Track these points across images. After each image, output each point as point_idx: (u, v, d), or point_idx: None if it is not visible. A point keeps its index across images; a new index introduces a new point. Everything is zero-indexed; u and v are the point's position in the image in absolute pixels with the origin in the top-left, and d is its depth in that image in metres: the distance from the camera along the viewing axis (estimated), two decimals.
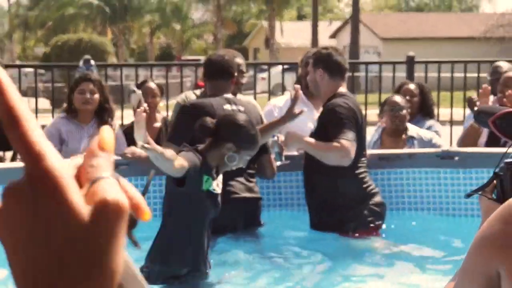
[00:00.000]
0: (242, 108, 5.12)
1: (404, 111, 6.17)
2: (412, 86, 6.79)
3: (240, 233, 5.26)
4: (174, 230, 4.26)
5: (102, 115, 6.01)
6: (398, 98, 6.27)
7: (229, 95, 5.29)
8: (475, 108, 6.37)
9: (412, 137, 6.23)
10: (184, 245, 4.28)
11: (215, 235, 5.04)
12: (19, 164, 5.45)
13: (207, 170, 4.19)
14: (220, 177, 4.31)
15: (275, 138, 5.30)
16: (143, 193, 2.99)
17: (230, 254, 5.02)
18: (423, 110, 6.70)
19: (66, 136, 5.99)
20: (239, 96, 5.68)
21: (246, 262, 4.89)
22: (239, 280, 4.67)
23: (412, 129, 6.31)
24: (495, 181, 1.96)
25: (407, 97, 6.52)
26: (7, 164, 5.82)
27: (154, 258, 4.29)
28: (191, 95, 5.90)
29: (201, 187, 4.15)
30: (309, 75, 5.45)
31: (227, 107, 5.12)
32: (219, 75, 5.28)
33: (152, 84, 6.42)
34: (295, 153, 5.66)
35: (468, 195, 2.05)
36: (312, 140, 5.26)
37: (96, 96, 5.98)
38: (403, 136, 6.26)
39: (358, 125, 5.22)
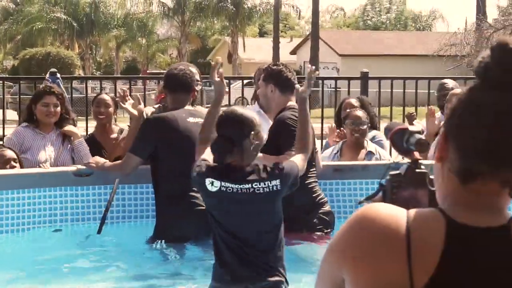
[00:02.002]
0: (202, 120, 5.04)
1: (365, 126, 6.22)
2: (352, 100, 6.87)
3: (203, 242, 5.11)
4: None
5: (62, 124, 6.11)
6: (359, 113, 6.28)
7: (190, 107, 5.34)
8: (414, 125, 6.68)
9: (371, 152, 6.28)
10: None
11: (179, 244, 5.13)
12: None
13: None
14: None
15: None
16: (109, 200, 4.50)
17: (195, 262, 4.98)
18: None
19: (29, 144, 6.02)
20: (199, 108, 5.72)
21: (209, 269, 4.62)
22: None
23: (371, 145, 6.37)
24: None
25: (347, 110, 6.57)
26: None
27: None
28: (148, 109, 6.10)
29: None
30: (260, 90, 5.49)
31: (191, 119, 5.16)
32: (179, 88, 5.32)
33: (105, 96, 6.55)
34: None
35: (359, 203, 2.19)
36: (263, 154, 5.01)
37: (59, 109, 6.05)
38: (363, 150, 6.30)
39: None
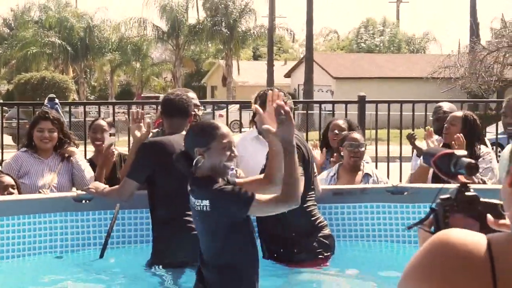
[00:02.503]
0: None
1: (363, 148, 6.24)
2: (340, 122, 6.89)
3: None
4: None
5: (61, 150, 6.13)
6: (357, 135, 6.29)
7: None
8: (417, 145, 6.72)
9: (368, 174, 6.27)
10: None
11: (176, 269, 5.11)
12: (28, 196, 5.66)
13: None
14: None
15: (234, 171, 5.24)
16: (111, 225, 4.46)
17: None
18: None
19: (27, 169, 6.05)
20: None
21: None
22: None
23: (368, 167, 6.39)
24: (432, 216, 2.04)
25: (336, 131, 6.70)
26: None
27: None
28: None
29: None
30: (256, 116, 5.38)
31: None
32: (176, 113, 5.34)
33: (101, 121, 6.59)
34: None
35: (409, 228, 2.12)
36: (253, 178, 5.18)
37: (55, 134, 6.07)
38: (360, 172, 6.27)
39: (305, 160, 5.22)
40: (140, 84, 52.38)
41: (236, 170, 5.36)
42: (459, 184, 2.07)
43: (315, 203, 5.44)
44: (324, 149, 6.71)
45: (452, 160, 2.18)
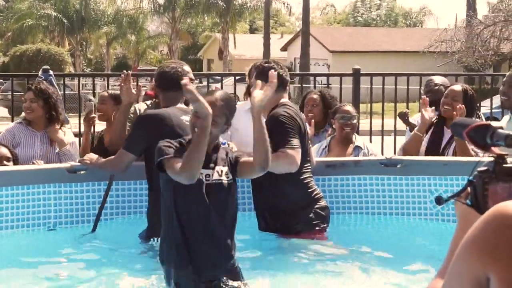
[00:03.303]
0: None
1: (355, 121, 6.22)
2: (314, 96, 6.87)
3: None
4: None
5: (52, 123, 6.15)
6: (349, 107, 6.28)
7: (182, 105, 5.31)
8: (410, 122, 6.72)
9: (358, 147, 6.25)
10: (162, 238, 4.22)
11: None
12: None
13: None
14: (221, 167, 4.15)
15: (225, 145, 5.32)
16: (105, 195, 4.45)
17: None
18: (326, 117, 6.76)
19: (19, 140, 6.08)
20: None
21: None
22: None
23: (359, 140, 6.36)
24: (469, 188, 2.04)
25: (309, 106, 6.73)
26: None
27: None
28: (141, 106, 6.02)
29: None
30: (252, 87, 5.41)
31: (184, 117, 5.10)
32: (172, 86, 5.27)
33: (105, 93, 6.65)
34: None
35: (445, 201, 2.13)
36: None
37: (35, 104, 6.10)
38: (351, 145, 6.25)
39: (301, 133, 5.22)
40: (136, 57, 52.27)
41: (228, 144, 5.38)
42: (495, 156, 2.05)
43: (311, 175, 5.44)
44: (313, 122, 6.63)
45: (489, 132, 2.14)
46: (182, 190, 4.01)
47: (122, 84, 5.75)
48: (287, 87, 5.51)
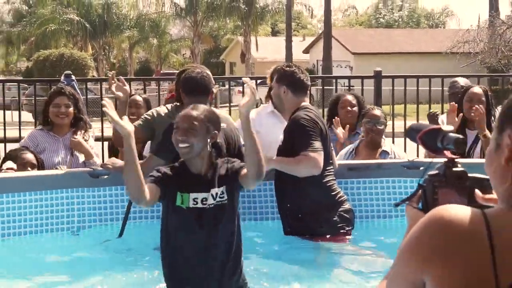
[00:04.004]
0: (224, 125, 5.00)
1: (381, 126, 6.19)
2: (350, 97, 6.83)
3: None
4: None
5: (77, 127, 6.14)
6: (377, 111, 6.24)
7: None
8: (439, 124, 6.67)
9: (385, 152, 6.22)
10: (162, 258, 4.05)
11: None
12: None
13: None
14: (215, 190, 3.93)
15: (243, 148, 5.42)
16: (130, 202, 4.36)
17: None
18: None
19: (43, 147, 6.05)
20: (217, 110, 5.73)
21: None
22: None
23: (388, 144, 6.35)
24: (420, 192, 2.05)
25: (348, 108, 6.69)
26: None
27: None
28: (162, 109, 5.92)
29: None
30: (273, 90, 5.55)
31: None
32: (199, 91, 5.26)
33: (137, 97, 6.69)
34: None
35: (397, 204, 2.20)
36: (280, 158, 5.28)
37: (71, 109, 6.08)
38: (380, 149, 6.22)
39: (323, 135, 5.22)
40: (159, 60, 52.35)
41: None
42: (446, 160, 2.06)
43: (334, 177, 5.44)
44: (348, 126, 6.62)
45: (440, 136, 2.16)
46: (172, 211, 3.91)
47: (111, 81, 5.68)
48: (308, 91, 5.54)
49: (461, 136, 2.14)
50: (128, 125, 3.78)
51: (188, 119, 3.92)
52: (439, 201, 1.96)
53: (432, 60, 34.86)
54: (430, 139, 2.18)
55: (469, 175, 1.99)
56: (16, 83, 11.09)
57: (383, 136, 6.36)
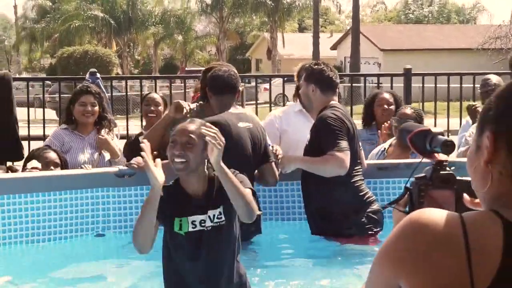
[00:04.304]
0: (250, 125, 5.16)
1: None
2: (387, 95, 6.76)
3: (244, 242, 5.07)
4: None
5: (102, 125, 6.13)
6: (407, 110, 6.18)
7: (238, 111, 5.34)
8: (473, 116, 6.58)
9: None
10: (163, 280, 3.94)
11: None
12: (33, 174, 5.51)
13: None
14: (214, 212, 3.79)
15: (270, 147, 5.32)
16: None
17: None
18: None
19: (69, 146, 6.04)
20: (243, 109, 5.74)
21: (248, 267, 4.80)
22: None
23: None
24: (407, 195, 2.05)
25: (385, 106, 6.61)
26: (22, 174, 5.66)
27: None
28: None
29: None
30: (301, 89, 5.53)
31: (241, 124, 5.13)
32: (226, 90, 5.27)
33: (155, 95, 6.63)
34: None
35: (384, 208, 2.33)
36: (306, 158, 5.31)
37: (96, 108, 6.08)
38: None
39: (350, 135, 5.22)
40: (184, 57, 52.51)
41: (272, 146, 5.38)
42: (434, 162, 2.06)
43: (362, 178, 5.39)
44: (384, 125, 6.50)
45: (428, 138, 2.15)
46: (170, 237, 3.77)
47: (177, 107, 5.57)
48: (337, 89, 5.51)
49: (449, 139, 2.13)
50: (161, 178, 3.59)
51: (185, 133, 3.74)
52: (425, 204, 1.97)
53: (462, 56, 34.58)
54: (420, 140, 2.18)
55: (458, 178, 1.99)
56: (40, 81, 11.07)
57: None
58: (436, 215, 1.45)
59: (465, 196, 1.75)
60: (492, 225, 1.41)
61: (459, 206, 1.81)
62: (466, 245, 1.39)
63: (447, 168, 2.03)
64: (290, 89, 8.37)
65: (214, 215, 3.72)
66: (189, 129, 3.74)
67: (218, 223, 3.73)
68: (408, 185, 2.08)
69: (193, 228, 3.71)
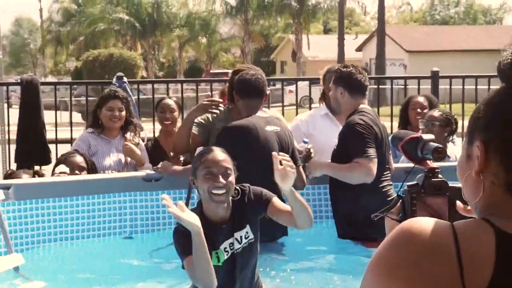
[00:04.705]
0: (278, 128, 5.16)
1: (441, 127, 6.04)
2: (421, 99, 6.78)
3: (271, 243, 5.17)
4: None
5: (127, 130, 6.15)
6: (435, 113, 6.14)
7: (266, 115, 5.35)
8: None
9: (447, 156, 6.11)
10: None
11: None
12: (60, 178, 5.50)
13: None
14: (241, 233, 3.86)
15: (306, 144, 5.35)
16: (186, 203, 4.02)
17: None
18: None
19: (95, 150, 6.05)
20: (270, 112, 5.76)
21: (274, 269, 4.91)
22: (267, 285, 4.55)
23: (452, 147, 6.16)
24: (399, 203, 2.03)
25: (418, 110, 6.58)
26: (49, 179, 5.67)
27: None
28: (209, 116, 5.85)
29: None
30: (330, 92, 5.45)
31: (268, 128, 5.14)
32: (254, 94, 5.25)
33: (169, 101, 6.55)
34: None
35: (376, 216, 2.16)
36: (333, 164, 5.28)
37: (123, 113, 6.09)
38: None
39: (378, 140, 5.17)
40: (209, 60, 52.59)
41: (308, 142, 5.40)
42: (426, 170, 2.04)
43: (390, 182, 5.34)
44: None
45: (419, 145, 2.15)
46: None
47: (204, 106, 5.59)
48: (366, 92, 5.45)
49: (440, 146, 2.12)
50: (195, 220, 3.54)
51: (220, 164, 3.75)
52: (417, 212, 1.96)
53: (489, 57, 34.12)
54: (411, 148, 2.18)
55: (450, 185, 1.98)
56: (68, 85, 11.10)
57: (454, 139, 6.19)
58: (427, 224, 1.43)
59: (458, 203, 1.73)
60: (484, 233, 1.40)
61: (452, 214, 1.78)
62: (458, 254, 1.38)
63: (439, 176, 2.01)
64: (316, 91, 8.39)
65: (241, 236, 3.78)
66: (222, 158, 3.77)
67: (248, 243, 3.79)
68: (400, 193, 2.06)
69: (227, 255, 3.76)
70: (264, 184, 4.22)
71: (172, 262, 5.13)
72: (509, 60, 1.41)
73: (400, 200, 2.05)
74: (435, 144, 2.14)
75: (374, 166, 5.05)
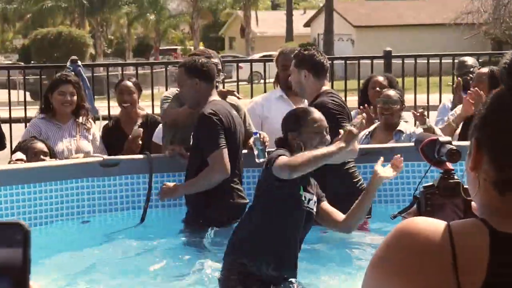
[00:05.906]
0: (235, 113, 5.22)
1: (396, 105, 6.00)
2: (380, 78, 6.77)
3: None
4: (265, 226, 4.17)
5: (79, 114, 6.09)
6: (391, 92, 6.11)
7: (226, 101, 5.39)
8: (449, 113, 6.69)
9: (400, 131, 6.05)
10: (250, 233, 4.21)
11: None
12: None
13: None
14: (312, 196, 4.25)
15: (257, 135, 5.26)
16: (149, 189, 4.31)
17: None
18: None
19: (46, 135, 5.98)
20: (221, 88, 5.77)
21: None
22: None
23: (403, 124, 6.17)
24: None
25: (377, 89, 6.52)
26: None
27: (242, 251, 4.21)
28: (172, 91, 5.98)
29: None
30: (292, 76, 5.38)
31: (234, 113, 5.19)
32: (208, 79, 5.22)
33: (128, 83, 6.43)
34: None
35: (394, 216, 2.21)
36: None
37: (75, 97, 6.02)
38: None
39: (349, 121, 5.11)
40: (158, 36, 52.21)
41: (260, 133, 5.32)
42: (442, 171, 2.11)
43: (355, 164, 5.36)
44: (366, 105, 6.48)
45: (436, 147, 2.18)
46: (288, 208, 4.14)
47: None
48: (327, 74, 5.45)
49: (454, 148, 2.14)
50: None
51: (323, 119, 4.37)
52: (432, 213, 1.96)
53: (435, 32, 34.72)
54: (430, 150, 2.21)
55: (466, 186, 1.96)
56: (21, 69, 10.94)
57: (402, 116, 6.20)
58: (423, 224, 1.44)
59: (473, 204, 1.70)
60: (479, 233, 1.41)
61: (469, 215, 1.74)
62: (453, 254, 1.39)
63: (455, 177, 2.06)
64: (266, 68, 8.55)
65: (312, 200, 4.22)
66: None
67: (312, 209, 4.21)
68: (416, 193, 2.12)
69: (304, 199, 4.15)
70: (233, 165, 4.72)
71: (130, 244, 5.27)
72: (504, 64, 1.43)
73: (416, 201, 2.08)
74: (450, 146, 2.15)
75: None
